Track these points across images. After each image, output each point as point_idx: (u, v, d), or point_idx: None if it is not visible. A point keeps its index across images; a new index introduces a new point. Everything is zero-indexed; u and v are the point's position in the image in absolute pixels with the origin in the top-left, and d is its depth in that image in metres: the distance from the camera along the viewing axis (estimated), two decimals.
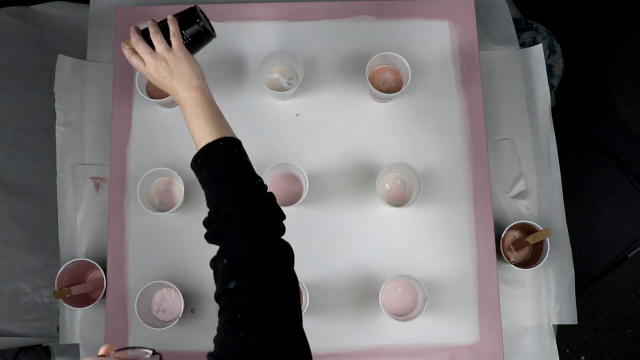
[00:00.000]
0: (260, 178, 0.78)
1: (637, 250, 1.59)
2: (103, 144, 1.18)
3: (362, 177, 1.10)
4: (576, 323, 1.15)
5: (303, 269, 1.06)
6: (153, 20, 0.88)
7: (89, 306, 1.06)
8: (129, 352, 0.57)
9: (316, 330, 1.07)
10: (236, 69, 1.15)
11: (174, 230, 1.09)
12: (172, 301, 1.06)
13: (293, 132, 1.13)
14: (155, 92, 1.12)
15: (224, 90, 1.15)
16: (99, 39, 1.24)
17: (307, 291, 1.00)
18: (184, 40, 0.88)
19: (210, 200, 0.77)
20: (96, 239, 1.15)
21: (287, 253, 0.74)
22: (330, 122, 1.13)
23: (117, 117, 1.13)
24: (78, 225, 1.16)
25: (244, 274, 0.69)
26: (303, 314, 1.00)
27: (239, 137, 1.13)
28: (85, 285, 1.09)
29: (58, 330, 1.14)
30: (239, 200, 0.74)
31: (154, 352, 0.58)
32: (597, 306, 1.87)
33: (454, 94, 1.15)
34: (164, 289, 1.06)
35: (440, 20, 1.17)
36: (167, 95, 1.08)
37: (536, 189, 1.19)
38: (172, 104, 1.11)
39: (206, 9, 1.18)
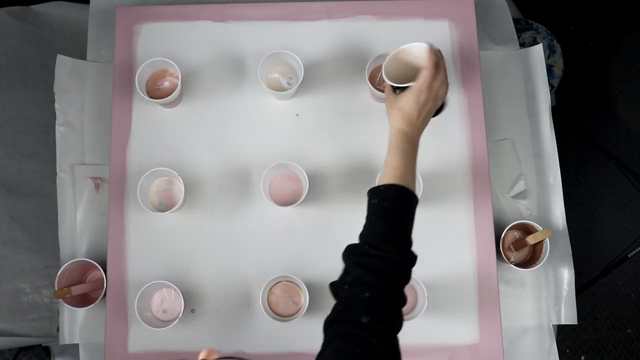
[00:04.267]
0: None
1: (637, 250, 1.59)
2: (103, 144, 1.18)
3: (362, 177, 1.10)
4: (576, 323, 1.15)
5: (303, 269, 1.07)
6: None
7: (89, 306, 1.06)
8: None
9: (316, 330, 1.07)
10: (236, 69, 1.15)
11: (174, 230, 1.09)
12: (172, 301, 1.06)
13: (293, 132, 1.13)
14: (155, 92, 1.12)
15: (224, 90, 1.15)
16: (99, 39, 1.24)
17: (306, 291, 1.00)
18: None
19: (371, 226, 0.77)
20: (96, 239, 1.15)
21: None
22: (330, 122, 1.13)
23: (117, 117, 1.13)
24: (78, 225, 1.16)
25: (382, 315, 0.70)
26: (303, 314, 1.00)
27: (239, 136, 1.13)
28: (85, 285, 1.09)
29: (58, 330, 1.14)
30: (402, 251, 0.76)
31: None
32: (597, 306, 1.87)
33: (454, 94, 1.14)
34: (164, 289, 1.06)
35: (440, 20, 1.17)
36: (167, 95, 1.08)
37: (536, 189, 1.19)
38: (172, 103, 1.12)
39: (207, 8, 1.18)
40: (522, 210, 1.18)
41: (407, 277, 0.76)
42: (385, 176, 0.81)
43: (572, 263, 1.17)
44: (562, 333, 1.82)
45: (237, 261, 1.08)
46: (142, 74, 1.08)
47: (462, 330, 1.06)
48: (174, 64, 1.08)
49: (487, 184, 1.11)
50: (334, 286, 0.77)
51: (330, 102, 1.14)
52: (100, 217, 1.16)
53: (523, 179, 1.19)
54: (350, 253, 0.77)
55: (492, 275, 1.08)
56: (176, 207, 1.04)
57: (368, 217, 0.79)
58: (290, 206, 1.03)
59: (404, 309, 1.05)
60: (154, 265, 1.08)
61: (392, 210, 0.77)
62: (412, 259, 0.77)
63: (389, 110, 0.89)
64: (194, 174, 1.10)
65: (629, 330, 1.85)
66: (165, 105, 1.11)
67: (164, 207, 1.09)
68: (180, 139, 1.13)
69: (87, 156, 1.19)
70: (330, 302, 1.08)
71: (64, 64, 1.22)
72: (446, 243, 1.09)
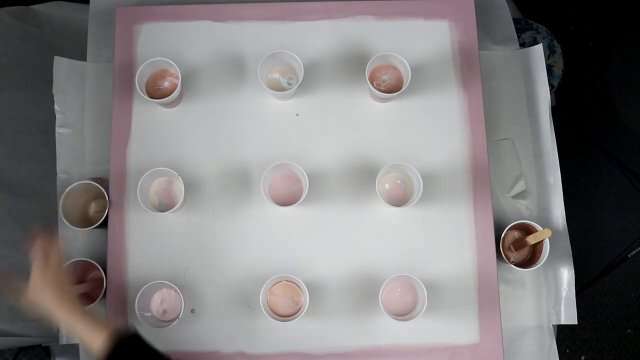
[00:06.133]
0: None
1: (637, 250, 1.60)
2: (103, 144, 1.18)
3: (362, 177, 1.11)
4: (576, 323, 1.15)
5: (303, 269, 1.07)
6: None
7: (89, 306, 1.06)
8: None
9: (316, 330, 1.07)
10: (236, 69, 1.15)
11: (174, 230, 1.09)
12: (172, 301, 1.06)
13: (293, 132, 1.13)
14: (155, 92, 1.12)
15: (224, 90, 1.15)
16: (99, 39, 1.23)
17: (307, 291, 1.00)
18: None
19: None
20: (96, 239, 1.15)
21: None
22: (330, 122, 1.13)
23: (117, 117, 1.13)
24: None
25: None
26: (303, 314, 1.00)
27: (239, 136, 1.14)
28: (85, 285, 1.09)
29: (58, 330, 1.14)
30: None
31: None
32: (597, 306, 1.87)
33: (454, 94, 1.15)
34: (164, 289, 1.06)
35: (440, 20, 1.17)
36: (167, 95, 1.08)
37: (536, 189, 1.19)
38: (172, 104, 1.12)
39: (206, 9, 1.18)
40: (522, 210, 1.18)
41: None
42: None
43: (572, 263, 1.17)
44: (562, 333, 1.82)
45: (237, 261, 1.08)
46: (142, 74, 1.08)
47: (462, 330, 1.06)
48: (174, 64, 1.08)
49: (487, 184, 1.11)
50: None
51: (330, 102, 1.14)
52: None
53: (523, 179, 1.19)
54: None
55: (492, 275, 1.08)
56: (176, 207, 1.04)
57: None
58: (290, 206, 1.04)
59: (404, 310, 1.05)
60: (154, 265, 1.08)
61: None
62: None
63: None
64: (194, 174, 1.11)
65: (629, 330, 1.85)
66: (165, 105, 1.11)
67: (164, 207, 1.09)
68: (180, 139, 1.13)
69: (87, 156, 1.19)
70: (330, 304, 1.08)
71: (60, 65, 1.21)
72: (446, 243, 1.09)
